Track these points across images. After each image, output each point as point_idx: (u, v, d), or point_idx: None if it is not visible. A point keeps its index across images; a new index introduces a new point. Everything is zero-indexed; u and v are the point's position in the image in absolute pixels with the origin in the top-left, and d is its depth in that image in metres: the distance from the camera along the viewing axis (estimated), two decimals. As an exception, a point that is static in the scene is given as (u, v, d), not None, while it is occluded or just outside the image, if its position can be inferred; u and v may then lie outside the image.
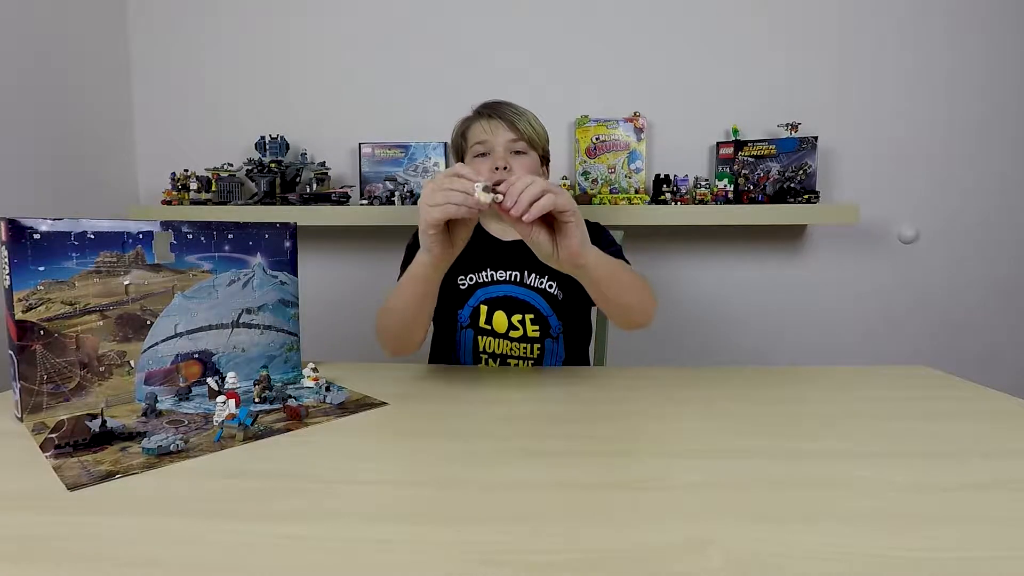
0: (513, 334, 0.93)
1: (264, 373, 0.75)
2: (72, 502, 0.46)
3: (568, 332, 0.95)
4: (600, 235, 0.97)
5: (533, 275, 0.93)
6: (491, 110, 0.95)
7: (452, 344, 0.96)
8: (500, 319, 0.93)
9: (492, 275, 0.94)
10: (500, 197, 0.64)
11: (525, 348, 0.93)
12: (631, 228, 1.43)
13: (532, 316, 0.93)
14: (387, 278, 0.93)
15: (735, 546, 0.39)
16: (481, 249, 0.94)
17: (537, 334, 0.93)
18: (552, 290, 0.93)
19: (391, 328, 0.84)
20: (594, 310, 1.08)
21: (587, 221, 0.96)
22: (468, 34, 1.59)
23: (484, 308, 0.93)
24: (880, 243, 1.60)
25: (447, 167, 1.04)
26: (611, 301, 0.79)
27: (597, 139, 1.55)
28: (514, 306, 0.93)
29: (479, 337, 0.94)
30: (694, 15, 1.57)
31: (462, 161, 0.98)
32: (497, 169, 0.89)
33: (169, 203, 1.53)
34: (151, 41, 1.63)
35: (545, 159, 1.00)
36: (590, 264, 0.70)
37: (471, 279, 0.94)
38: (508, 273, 0.94)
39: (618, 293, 0.78)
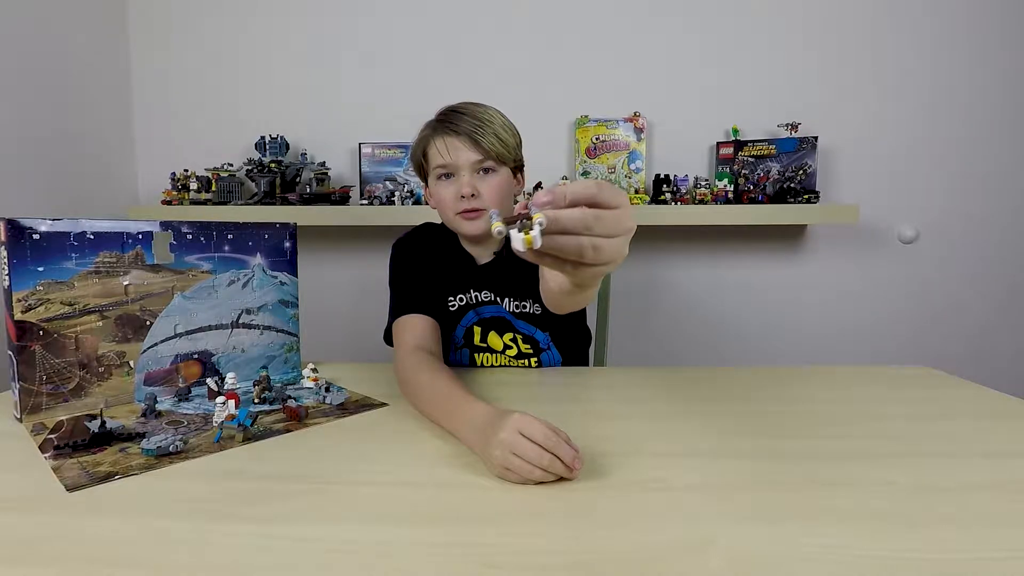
0: (509, 352, 0.93)
1: (264, 374, 0.75)
2: (71, 503, 0.46)
3: (558, 337, 0.94)
4: None
5: (507, 299, 0.92)
6: (452, 124, 0.83)
7: (448, 363, 0.94)
8: (495, 339, 0.93)
9: (476, 296, 0.93)
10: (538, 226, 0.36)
11: (523, 363, 0.93)
12: (631, 228, 1.43)
13: (521, 336, 0.93)
14: (386, 279, 0.93)
15: (735, 546, 0.39)
16: (462, 269, 0.93)
17: (530, 350, 0.93)
18: (529, 309, 0.92)
19: (420, 411, 0.69)
20: (592, 315, 1.08)
21: None
22: (468, 34, 1.59)
23: (478, 329, 0.93)
24: (880, 243, 1.60)
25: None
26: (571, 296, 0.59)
27: (597, 139, 1.55)
28: (504, 326, 0.93)
29: (476, 355, 0.94)
30: (694, 15, 1.57)
31: (424, 176, 0.90)
32: (463, 197, 0.82)
33: (169, 203, 1.53)
34: (151, 41, 1.63)
35: (518, 168, 0.91)
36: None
37: (460, 299, 0.93)
38: (490, 294, 0.93)
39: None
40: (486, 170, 0.84)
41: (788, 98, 1.56)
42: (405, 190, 1.53)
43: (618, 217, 0.38)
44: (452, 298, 0.93)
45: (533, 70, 1.58)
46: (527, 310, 0.92)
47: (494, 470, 0.51)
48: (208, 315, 0.77)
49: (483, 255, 0.93)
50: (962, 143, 1.56)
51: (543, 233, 0.36)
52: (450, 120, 0.84)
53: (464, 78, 1.59)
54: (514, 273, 0.88)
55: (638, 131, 1.54)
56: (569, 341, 0.96)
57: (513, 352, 0.92)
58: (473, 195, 0.82)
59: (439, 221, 0.94)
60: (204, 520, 0.43)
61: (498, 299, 0.92)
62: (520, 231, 0.36)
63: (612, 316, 1.48)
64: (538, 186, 1.52)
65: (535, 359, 0.93)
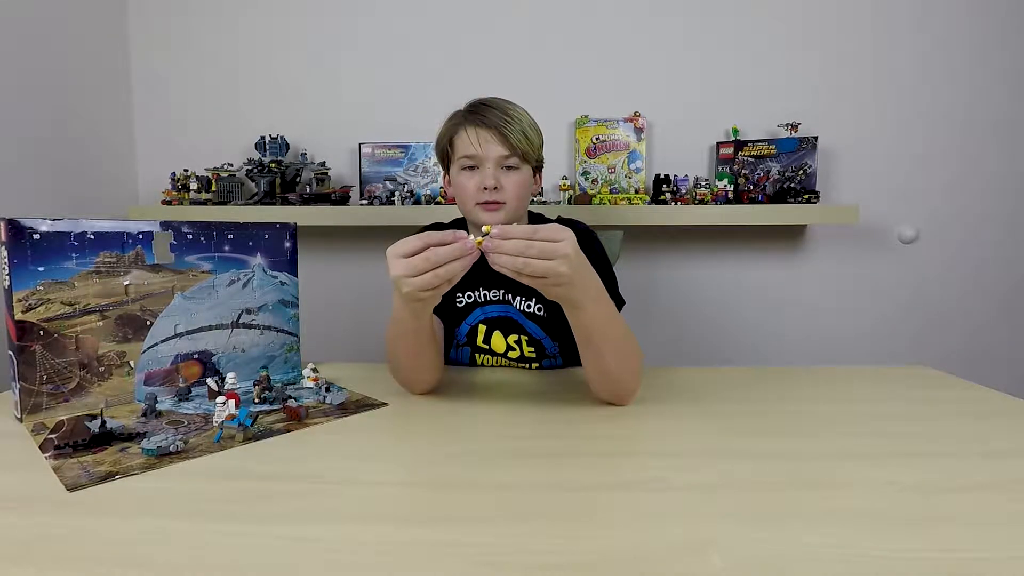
0: (511, 354, 0.92)
1: (264, 374, 0.75)
2: (71, 503, 0.46)
3: (566, 350, 0.93)
4: (588, 248, 0.90)
5: (519, 298, 0.91)
6: (481, 117, 0.85)
7: (448, 361, 0.94)
8: (498, 339, 0.92)
9: (485, 295, 0.92)
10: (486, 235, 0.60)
11: (524, 367, 0.92)
12: (631, 228, 1.43)
13: (527, 338, 0.92)
14: (386, 279, 0.93)
15: (735, 547, 0.39)
16: (474, 268, 0.91)
17: (533, 354, 0.92)
18: (540, 312, 0.91)
19: (401, 376, 0.78)
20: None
21: (579, 227, 0.94)
22: (468, 34, 1.59)
23: (483, 328, 0.92)
24: (880, 243, 1.60)
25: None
26: (592, 359, 0.71)
27: (597, 139, 1.55)
28: (510, 327, 0.92)
29: (476, 355, 0.93)
30: (694, 15, 1.57)
31: (447, 165, 0.92)
32: (486, 189, 0.84)
33: (169, 203, 1.53)
34: (151, 41, 1.63)
35: (539, 167, 0.94)
36: (581, 312, 0.66)
37: (469, 297, 0.92)
38: (499, 292, 0.92)
39: (602, 355, 0.70)
40: (510, 166, 0.86)
41: (788, 98, 1.56)
42: (405, 190, 1.53)
43: (518, 244, 0.59)
44: (460, 294, 0.92)
45: (533, 70, 1.58)
46: (540, 312, 0.91)
47: (422, 297, 0.61)
48: (208, 315, 0.77)
49: None
50: (962, 143, 1.56)
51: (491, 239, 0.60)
52: (480, 112, 0.86)
53: (464, 78, 1.59)
54: None
55: (638, 131, 1.54)
56: (574, 351, 0.96)
57: (515, 355, 0.92)
58: (495, 188, 0.84)
59: (441, 219, 0.94)
60: (204, 520, 0.43)
61: (508, 297, 0.91)
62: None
63: (612, 316, 1.48)
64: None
65: (536, 364, 0.92)
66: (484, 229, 0.61)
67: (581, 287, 0.63)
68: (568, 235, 0.59)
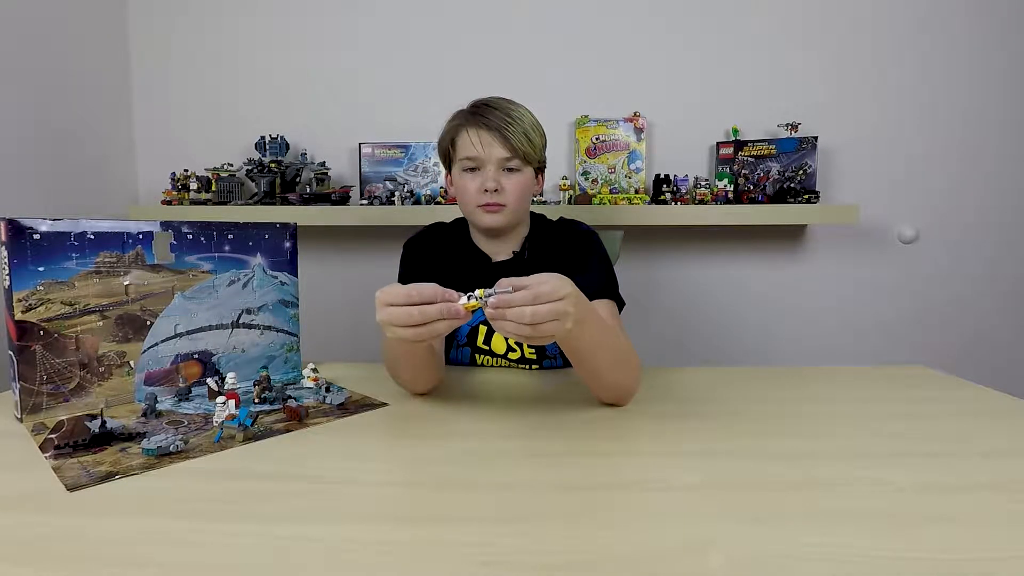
0: (512, 355, 0.92)
1: (264, 374, 0.75)
2: (72, 503, 0.46)
3: None
4: (590, 249, 0.91)
5: None
6: (483, 118, 0.85)
7: (448, 361, 0.94)
8: (498, 340, 0.91)
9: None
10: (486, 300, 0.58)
11: (524, 368, 0.92)
12: (631, 228, 1.43)
13: None
14: (387, 279, 0.92)
15: (735, 546, 0.39)
16: (476, 267, 0.91)
17: (534, 356, 0.92)
18: None
19: (400, 380, 0.77)
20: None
21: (581, 227, 0.94)
22: (468, 34, 1.59)
23: (483, 328, 0.92)
24: (880, 243, 1.60)
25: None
26: (590, 373, 0.70)
27: (597, 139, 1.55)
28: None
29: (476, 355, 0.93)
30: (694, 15, 1.57)
31: (449, 165, 0.92)
32: (487, 191, 0.84)
33: (169, 203, 1.53)
34: (151, 41, 1.63)
35: (541, 168, 0.93)
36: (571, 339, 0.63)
37: (470, 298, 0.92)
38: None
39: (597, 370, 0.69)
40: (511, 168, 0.86)
41: (788, 98, 1.56)
42: (405, 190, 1.53)
43: (523, 312, 0.56)
44: (462, 295, 0.92)
45: (533, 70, 1.58)
46: None
47: (412, 343, 0.60)
48: (208, 315, 0.77)
49: (499, 253, 0.92)
50: (962, 143, 1.56)
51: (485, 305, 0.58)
52: (482, 113, 0.86)
53: (464, 78, 1.59)
54: (532, 273, 0.88)
55: (638, 131, 1.54)
56: None
57: (516, 356, 0.92)
58: (496, 190, 0.84)
59: (442, 219, 0.93)
60: (204, 520, 0.43)
61: None
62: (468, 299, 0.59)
63: (612, 316, 1.48)
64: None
65: (536, 365, 0.92)
66: (477, 293, 0.59)
67: (580, 325, 0.60)
68: (566, 292, 0.57)
